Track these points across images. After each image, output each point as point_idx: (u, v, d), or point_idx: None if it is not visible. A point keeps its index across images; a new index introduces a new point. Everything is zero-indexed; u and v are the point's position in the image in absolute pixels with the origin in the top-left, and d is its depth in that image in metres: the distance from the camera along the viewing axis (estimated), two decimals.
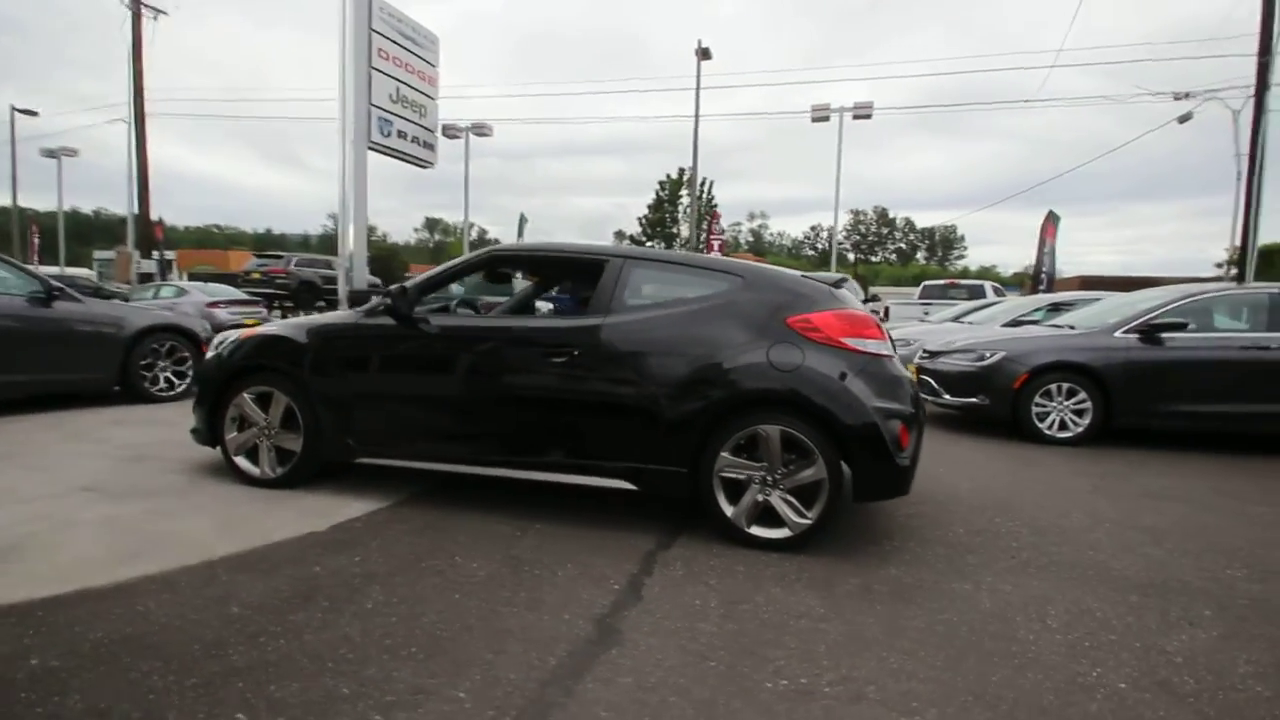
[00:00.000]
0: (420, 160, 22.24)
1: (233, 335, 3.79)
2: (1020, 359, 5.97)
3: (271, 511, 3.22)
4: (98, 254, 40.19)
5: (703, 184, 37.04)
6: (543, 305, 5.12)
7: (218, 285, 17.15)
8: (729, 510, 3.01)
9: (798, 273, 3.35)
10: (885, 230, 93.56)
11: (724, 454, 3.00)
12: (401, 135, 20.96)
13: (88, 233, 65.55)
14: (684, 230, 39.99)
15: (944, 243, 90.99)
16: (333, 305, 21.51)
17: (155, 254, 22.55)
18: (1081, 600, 2.61)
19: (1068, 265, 21.21)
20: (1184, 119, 19.53)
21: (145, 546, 2.71)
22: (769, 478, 2.98)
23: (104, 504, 3.23)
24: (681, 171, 40.39)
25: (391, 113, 20.51)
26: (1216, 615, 2.51)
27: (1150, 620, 2.46)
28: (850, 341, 3.02)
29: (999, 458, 5.26)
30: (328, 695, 1.75)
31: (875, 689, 1.90)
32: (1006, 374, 5.95)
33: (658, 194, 40.82)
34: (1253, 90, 17.33)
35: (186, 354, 6.75)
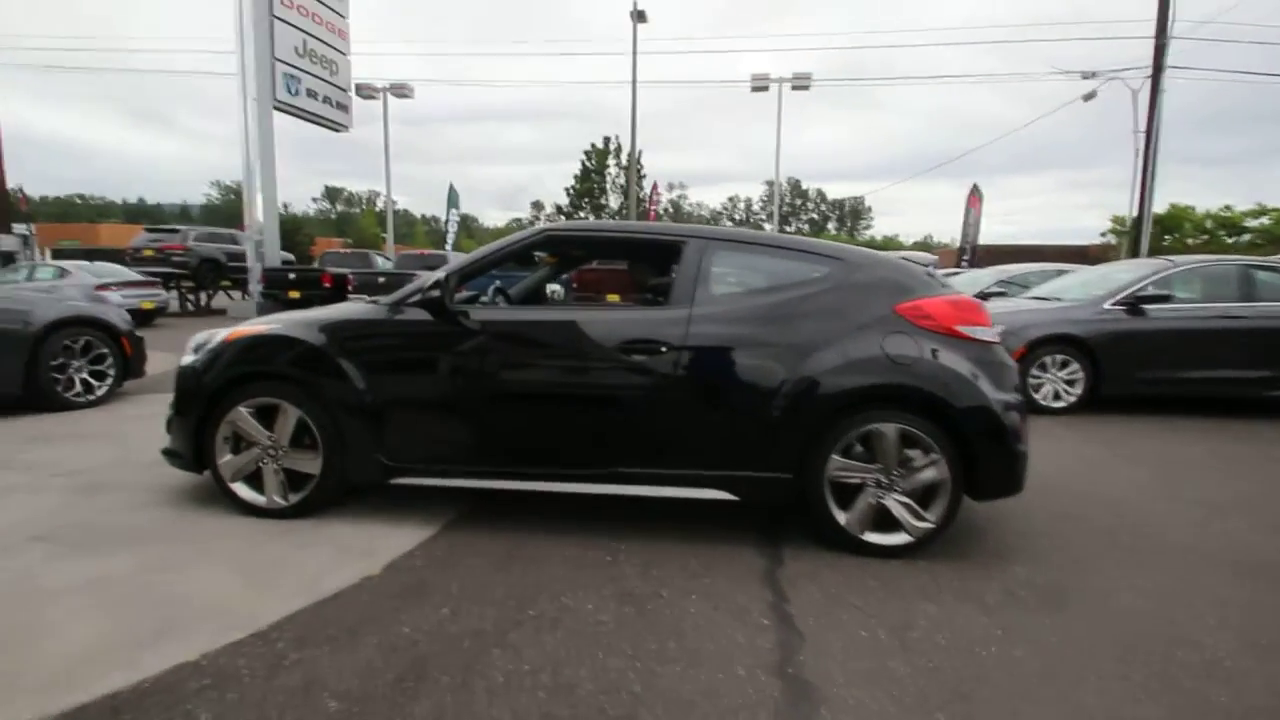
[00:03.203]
0: (333, 123, 20.51)
1: (217, 336, 3.10)
2: (1018, 332, 6.05)
3: (301, 551, 2.66)
4: None
5: (631, 153, 36.35)
6: (556, 289, 4.63)
7: (105, 265, 15.06)
8: (841, 517, 2.75)
9: (895, 255, 3.09)
10: (799, 201, 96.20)
11: (835, 456, 2.73)
12: (311, 94, 19.23)
13: None
14: (613, 201, 39.27)
15: (853, 214, 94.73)
16: (240, 284, 19.52)
17: (24, 228, 19.54)
18: (1214, 589, 2.54)
19: (960, 237, 22.40)
20: (1089, 97, 20.87)
21: (163, 619, 2.12)
22: (884, 479, 2.74)
23: (77, 559, 2.55)
24: (607, 141, 39.53)
25: (298, 68, 18.74)
26: None
27: None
28: (964, 329, 2.81)
29: None
30: None
31: None
32: (1005, 347, 6.01)
33: (584, 164, 39.74)
34: (1150, 71, 18.72)
35: (105, 351, 5.73)
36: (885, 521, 2.75)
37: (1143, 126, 18.99)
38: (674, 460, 2.80)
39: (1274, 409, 6.21)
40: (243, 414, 2.97)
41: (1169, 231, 30.93)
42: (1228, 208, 31.50)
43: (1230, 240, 30.62)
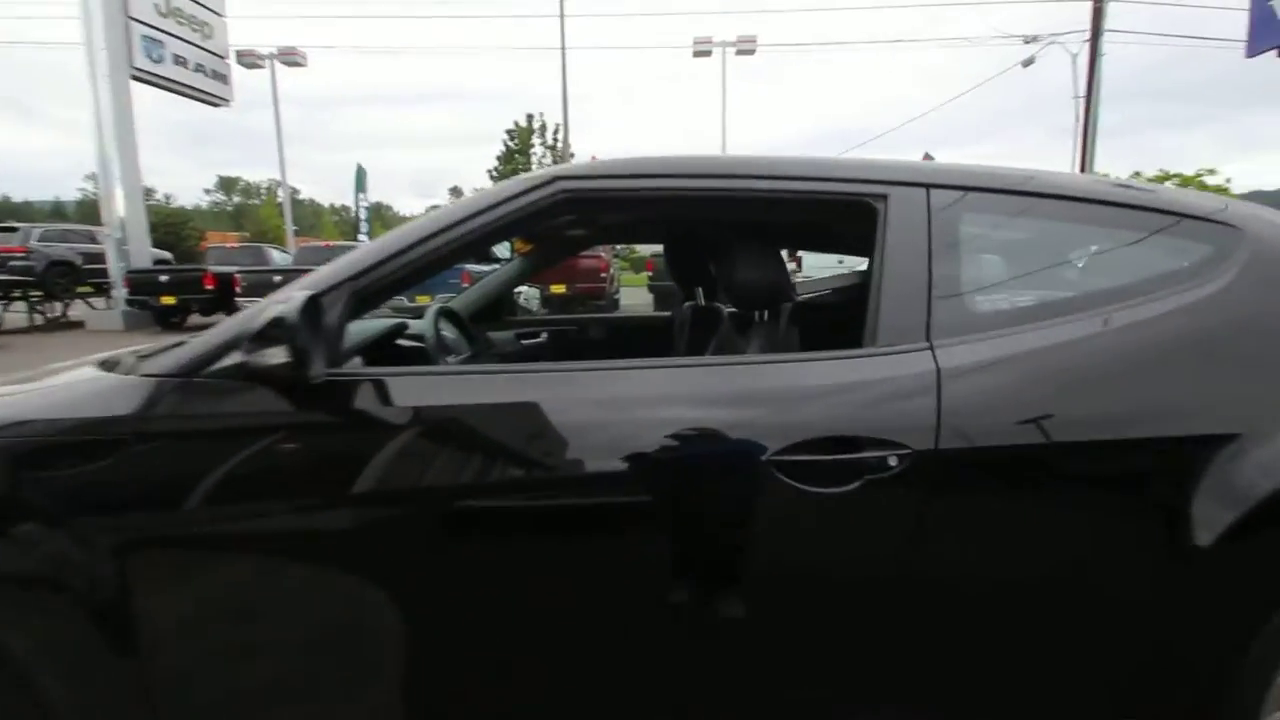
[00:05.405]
0: (209, 95, 17.35)
1: None
2: None
3: None
4: None
5: (555, 130, 34.26)
6: (530, 294, 2.86)
7: None
8: None
9: None
10: None
11: None
12: (180, 61, 16.08)
13: None
14: None
15: None
16: (103, 290, 16.24)
17: None
18: None
19: None
20: (1028, 63, 20.47)
21: None
22: None
23: None
24: (530, 118, 36.77)
25: (161, 29, 15.55)
26: None
27: None
28: None
29: None
30: None
31: None
32: None
33: (506, 144, 36.82)
34: (1088, 35, 18.61)
35: None
36: None
37: (1081, 92, 18.91)
38: (920, 710, 1.17)
39: None
40: None
41: None
42: (1137, 173, 33.06)
43: None
